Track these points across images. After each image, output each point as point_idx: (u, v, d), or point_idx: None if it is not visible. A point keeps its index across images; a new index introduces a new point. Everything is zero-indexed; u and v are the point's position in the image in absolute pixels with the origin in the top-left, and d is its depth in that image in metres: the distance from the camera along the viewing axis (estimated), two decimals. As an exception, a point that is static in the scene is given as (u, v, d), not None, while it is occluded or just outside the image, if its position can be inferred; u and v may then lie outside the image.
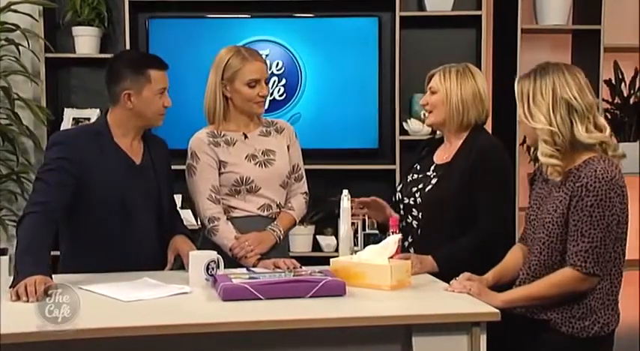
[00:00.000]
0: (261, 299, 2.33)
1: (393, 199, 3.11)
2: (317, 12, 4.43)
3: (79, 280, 2.50)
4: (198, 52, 4.29)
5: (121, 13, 4.38)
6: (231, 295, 2.33)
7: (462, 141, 2.93)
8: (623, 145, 2.44)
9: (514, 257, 2.61)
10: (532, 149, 4.34)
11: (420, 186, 2.94)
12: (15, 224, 4.13)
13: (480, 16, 4.33)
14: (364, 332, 2.21)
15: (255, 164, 2.96)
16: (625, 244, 2.36)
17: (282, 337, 2.20)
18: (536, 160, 4.34)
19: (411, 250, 2.90)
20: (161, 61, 2.82)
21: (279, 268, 2.70)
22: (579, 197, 2.29)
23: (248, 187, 2.94)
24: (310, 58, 4.43)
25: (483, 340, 2.21)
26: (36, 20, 4.27)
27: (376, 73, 4.40)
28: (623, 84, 4.44)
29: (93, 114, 4.41)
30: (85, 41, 4.38)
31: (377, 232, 4.24)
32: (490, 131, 3.18)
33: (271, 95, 4.29)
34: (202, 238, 2.98)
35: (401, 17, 4.32)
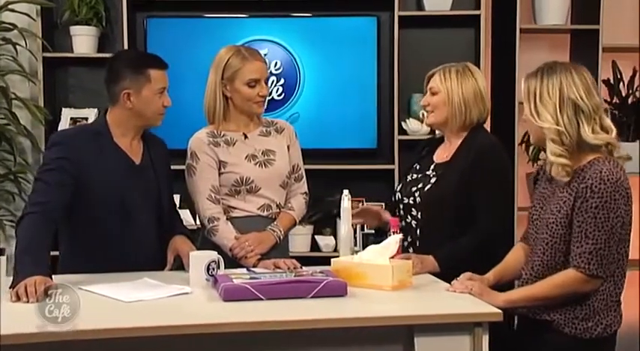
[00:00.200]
0: (262, 300, 2.32)
1: (393, 199, 3.10)
2: (316, 11, 4.42)
3: (78, 281, 2.49)
4: (196, 51, 4.28)
5: (118, 13, 4.36)
6: (232, 295, 2.32)
7: (461, 140, 2.92)
8: (621, 145, 2.42)
9: (515, 256, 2.60)
10: (531, 149, 4.41)
11: (420, 185, 2.93)
12: (12, 224, 4.17)
13: (479, 15, 4.32)
14: (366, 333, 2.21)
15: (255, 164, 2.95)
16: (628, 246, 2.35)
17: (284, 337, 2.19)
18: (535, 159, 4.42)
19: (410, 250, 2.89)
20: (161, 60, 2.81)
21: (279, 268, 2.69)
22: (584, 198, 2.28)
23: (248, 187, 2.93)
24: (309, 58, 4.42)
25: (485, 340, 2.20)
26: (33, 19, 4.25)
27: (375, 73, 4.40)
28: (621, 84, 4.44)
29: (91, 114, 4.41)
30: (83, 41, 4.37)
31: (373, 232, 4.25)
32: (489, 131, 3.17)
33: (270, 95, 4.27)
34: (202, 239, 2.97)
35: (400, 17, 4.32)
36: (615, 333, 2.36)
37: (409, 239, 2.92)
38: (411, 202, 2.93)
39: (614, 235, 2.28)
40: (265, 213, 2.97)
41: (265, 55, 3.41)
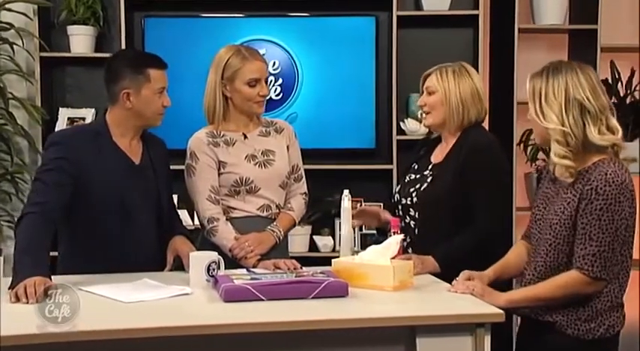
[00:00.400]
0: (263, 300, 2.31)
1: (392, 200, 3.10)
2: (314, 11, 4.42)
3: (78, 281, 2.48)
4: (194, 51, 4.28)
5: (116, 12, 4.35)
6: (233, 296, 2.31)
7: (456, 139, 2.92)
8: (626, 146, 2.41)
9: (517, 253, 2.60)
10: (529, 149, 4.41)
11: (417, 186, 2.93)
12: (10, 225, 4.16)
13: (477, 15, 4.32)
14: (368, 333, 2.20)
15: (255, 165, 2.94)
16: (632, 248, 2.34)
17: (285, 338, 2.18)
18: (533, 159, 4.41)
19: (409, 250, 2.89)
20: (160, 60, 2.80)
21: (279, 268, 2.68)
22: (589, 200, 2.27)
23: (247, 187, 2.92)
24: (307, 58, 4.41)
25: (487, 341, 2.19)
26: (30, 19, 4.23)
27: (373, 73, 4.39)
28: (619, 84, 4.45)
29: (88, 114, 4.40)
30: (80, 40, 4.36)
31: (374, 232, 4.24)
32: (487, 130, 3.17)
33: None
34: (202, 239, 2.96)
35: (398, 17, 4.31)
36: (618, 334, 2.36)
37: (408, 239, 2.92)
38: (409, 202, 2.93)
39: (618, 238, 2.27)
40: (265, 213, 2.96)
41: (263, 54, 3.38)
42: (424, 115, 3.01)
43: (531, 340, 2.42)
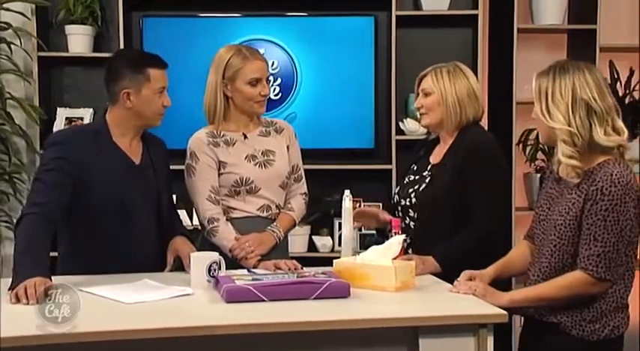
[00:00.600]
0: (264, 301, 2.30)
1: (392, 201, 3.10)
2: (313, 11, 4.40)
3: (78, 282, 2.46)
4: (193, 51, 4.26)
5: (114, 12, 4.33)
6: (235, 296, 2.30)
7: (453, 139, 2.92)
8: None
9: (520, 252, 2.59)
10: (528, 149, 4.40)
11: (416, 187, 2.93)
12: (7, 225, 4.14)
13: (477, 15, 4.31)
14: (370, 334, 2.19)
15: (255, 165, 2.93)
16: (637, 249, 2.34)
17: (287, 339, 2.17)
18: (532, 160, 4.41)
19: (410, 250, 2.88)
20: (161, 60, 2.79)
21: (280, 269, 2.67)
22: (594, 201, 2.26)
23: (248, 187, 2.91)
24: (306, 58, 4.40)
25: (490, 341, 2.19)
26: (28, 19, 4.21)
27: (372, 73, 4.38)
28: (618, 84, 4.44)
29: (86, 113, 4.38)
30: (78, 40, 4.34)
31: (374, 232, 4.23)
32: (486, 130, 3.16)
33: (267, 94, 4.25)
34: (202, 239, 2.95)
35: (397, 16, 4.30)
36: (622, 335, 2.35)
37: (408, 240, 2.91)
38: (408, 203, 2.93)
39: (623, 238, 2.27)
40: (265, 214, 2.95)
41: (262, 54, 3.37)
42: (422, 116, 3.00)
43: (535, 340, 2.42)
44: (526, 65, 4.27)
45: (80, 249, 2.77)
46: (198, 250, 2.79)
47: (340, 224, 4.30)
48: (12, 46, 4.19)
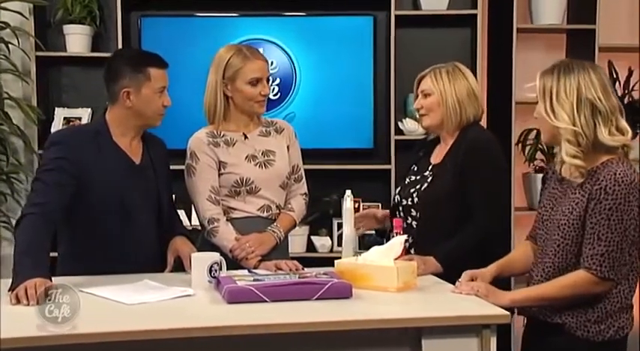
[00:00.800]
0: (266, 302, 2.29)
1: (392, 202, 3.10)
2: (312, 11, 4.39)
3: (78, 283, 2.45)
4: (191, 51, 4.25)
5: (112, 12, 4.32)
6: (236, 297, 2.29)
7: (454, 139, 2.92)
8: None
9: (522, 252, 2.59)
10: (527, 149, 4.40)
11: (418, 186, 2.93)
12: (5, 225, 4.13)
13: (476, 15, 4.30)
14: (372, 335, 2.18)
15: (255, 165, 2.92)
16: None
17: (289, 340, 2.16)
18: (531, 160, 4.40)
19: (412, 250, 2.88)
20: (161, 59, 2.77)
21: (281, 269, 2.67)
22: (597, 200, 2.25)
23: (248, 188, 2.90)
24: (305, 58, 4.39)
25: (493, 342, 2.18)
26: (26, 18, 4.19)
27: (371, 73, 4.37)
28: (617, 83, 4.44)
29: (84, 113, 4.36)
30: (77, 40, 4.32)
31: (372, 232, 4.22)
32: (485, 130, 3.17)
33: (266, 94, 4.24)
34: (202, 240, 2.94)
35: (396, 16, 4.29)
36: (627, 336, 2.34)
37: (410, 240, 2.90)
38: (410, 203, 2.92)
39: (627, 238, 2.26)
40: (265, 214, 2.94)
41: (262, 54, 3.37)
42: (421, 117, 3.00)
43: (539, 341, 2.41)
44: (525, 65, 4.27)
45: (80, 249, 2.76)
46: (199, 250, 2.78)
47: (339, 224, 4.32)
48: (10, 45, 4.18)
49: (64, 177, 2.63)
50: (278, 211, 2.98)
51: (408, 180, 3.01)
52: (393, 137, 4.33)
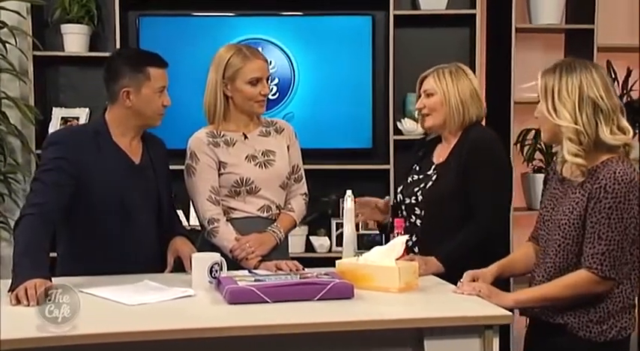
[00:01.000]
0: (268, 302, 2.28)
1: (394, 201, 3.09)
2: (310, 10, 4.39)
3: (78, 283, 2.43)
4: (190, 50, 4.24)
5: (110, 11, 4.30)
6: (238, 298, 2.28)
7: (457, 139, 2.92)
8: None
9: (524, 253, 2.58)
10: (526, 149, 4.39)
11: (422, 185, 2.93)
12: (2, 226, 4.11)
13: (474, 15, 4.30)
14: (374, 336, 2.17)
15: (255, 165, 2.91)
16: None
17: (291, 341, 2.15)
18: (530, 160, 4.40)
19: (416, 248, 2.88)
20: (161, 59, 2.76)
21: (281, 270, 2.66)
22: (597, 199, 2.25)
23: (248, 188, 2.89)
24: (303, 57, 4.38)
25: (496, 343, 2.18)
26: (24, 17, 4.18)
27: (370, 73, 4.36)
28: (616, 83, 4.44)
29: (82, 113, 4.35)
30: (74, 39, 4.30)
31: (371, 233, 4.22)
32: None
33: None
34: (201, 240, 2.93)
35: (395, 16, 4.29)
36: (629, 336, 2.34)
37: (414, 238, 2.91)
38: (413, 201, 2.92)
39: (628, 236, 2.26)
40: (265, 214, 2.93)
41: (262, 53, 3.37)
42: (424, 117, 2.99)
43: (542, 342, 2.41)
44: (524, 65, 4.28)
45: (79, 249, 2.74)
46: (198, 250, 2.77)
47: (337, 224, 4.32)
48: (7, 45, 4.15)
49: (63, 177, 2.61)
50: (278, 212, 2.97)
51: (410, 179, 3.01)
52: (392, 137, 4.32)
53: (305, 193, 3.07)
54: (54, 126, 4.27)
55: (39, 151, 3.69)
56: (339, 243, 4.23)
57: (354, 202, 2.88)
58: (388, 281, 2.43)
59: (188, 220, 4.05)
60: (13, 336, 1.98)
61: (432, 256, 2.75)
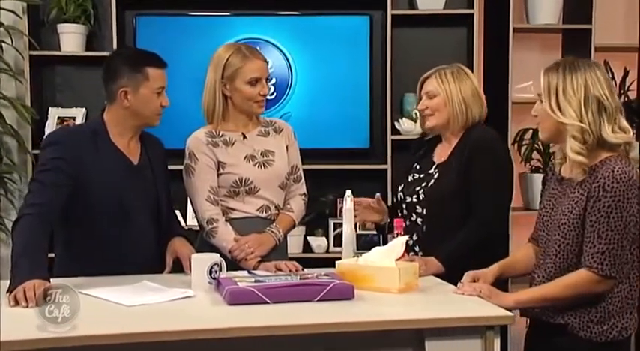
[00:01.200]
0: (268, 303, 2.27)
1: (394, 200, 3.08)
2: (308, 10, 4.38)
3: (77, 284, 2.41)
4: (187, 50, 4.23)
5: (107, 11, 4.29)
6: (238, 298, 2.27)
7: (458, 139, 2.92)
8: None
9: (524, 253, 2.58)
10: (524, 149, 4.39)
11: (424, 184, 2.93)
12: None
13: (472, 14, 4.30)
14: (375, 337, 2.17)
15: (254, 165, 2.90)
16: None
17: (291, 341, 2.14)
18: (527, 160, 4.40)
19: (417, 247, 2.89)
20: (160, 59, 2.75)
21: (280, 270, 2.65)
22: (596, 198, 2.25)
23: (247, 188, 2.88)
24: (301, 57, 4.37)
25: (497, 343, 2.18)
26: (20, 17, 4.16)
27: (367, 72, 4.36)
28: (613, 83, 4.44)
29: (79, 113, 4.34)
30: (71, 39, 4.29)
31: (368, 233, 4.21)
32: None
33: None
34: (200, 240, 2.92)
35: (392, 16, 4.28)
36: (630, 336, 2.34)
37: (415, 237, 2.91)
38: (415, 200, 2.93)
39: (627, 235, 2.26)
40: (264, 214, 2.92)
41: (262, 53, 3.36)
42: (425, 118, 2.98)
43: (542, 342, 2.40)
44: (521, 65, 4.27)
45: (77, 250, 2.73)
46: (197, 251, 2.76)
47: (335, 225, 4.31)
48: (3, 44, 4.14)
49: (61, 177, 2.60)
50: (277, 212, 2.96)
51: (411, 178, 3.01)
52: (390, 137, 4.31)
53: (304, 194, 3.06)
54: (50, 126, 4.25)
55: (35, 152, 3.68)
56: (337, 243, 4.22)
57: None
58: (388, 282, 2.43)
59: (185, 220, 4.04)
60: (13, 337, 1.96)
61: (432, 257, 2.75)
